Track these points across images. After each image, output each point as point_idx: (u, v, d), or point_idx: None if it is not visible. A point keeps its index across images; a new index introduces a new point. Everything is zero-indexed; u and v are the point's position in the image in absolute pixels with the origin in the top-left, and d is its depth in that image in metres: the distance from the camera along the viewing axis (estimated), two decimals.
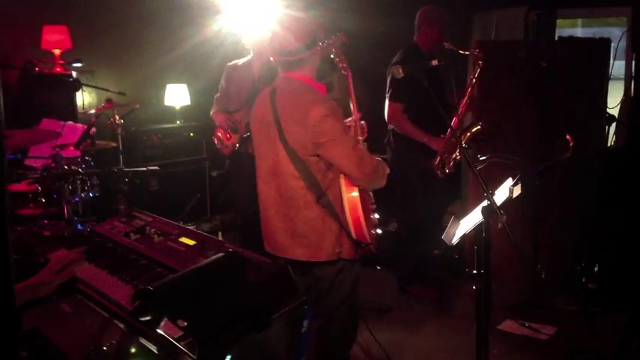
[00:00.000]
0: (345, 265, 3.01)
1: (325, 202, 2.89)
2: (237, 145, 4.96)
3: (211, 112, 5.11)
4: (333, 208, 2.90)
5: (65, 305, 2.36)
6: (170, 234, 2.31)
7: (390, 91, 4.58)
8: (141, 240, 2.33)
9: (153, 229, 2.37)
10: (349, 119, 3.24)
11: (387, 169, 3.07)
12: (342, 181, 2.92)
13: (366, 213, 2.96)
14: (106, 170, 3.56)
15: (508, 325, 4.30)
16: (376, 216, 3.19)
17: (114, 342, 1.94)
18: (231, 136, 4.96)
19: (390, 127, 4.74)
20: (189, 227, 4.62)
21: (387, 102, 4.62)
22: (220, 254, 1.47)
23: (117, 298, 2.03)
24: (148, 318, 1.23)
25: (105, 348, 1.96)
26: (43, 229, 3.83)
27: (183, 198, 5.60)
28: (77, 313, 2.24)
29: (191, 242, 2.19)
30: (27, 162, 4.42)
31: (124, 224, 2.53)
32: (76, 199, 3.88)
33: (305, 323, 1.62)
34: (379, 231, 3.23)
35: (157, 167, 3.70)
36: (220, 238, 4.39)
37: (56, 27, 5.43)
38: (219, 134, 5.02)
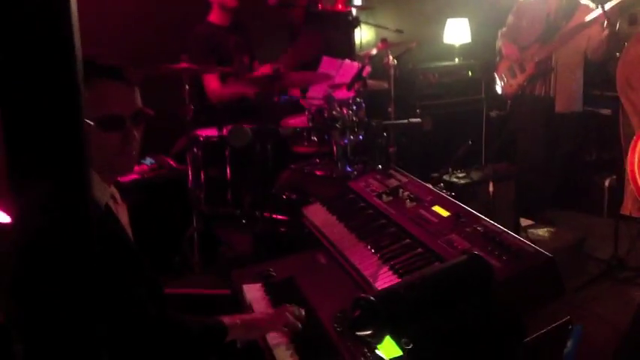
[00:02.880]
0: None
1: None
2: (524, 85, 4.59)
3: (499, 43, 4.80)
4: None
5: (321, 256, 2.33)
6: (424, 200, 2.11)
7: None
8: (392, 203, 2.17)
9: (406, 193, 2.19)
10: None
11: None
12: None
13: None
14: (364, 123, 3.46)
15: None
16: None
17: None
18: (517, 75, 4.62)
19: None
20: (460, 173, 4.45)
21: None
22: (461, 258, 1.23)
23: (361, 268, 1.91)
24: (367, 333, 1.05)
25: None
26: (315, 169, 3.92)
27: (457, 139, 5.36)
28: (331, 267, 2.19)
29: (445, 213, 1.97)
30: (302, 102, 4.52)
31: (378, 182, 2.40)
32: (345, 141, 3.88)
33: (569, 343, 1.32)
34: None
35: (419, 120, 3.51)
36: (491, 188, 4.09)
37: None
38: (502, 73, 4.71)
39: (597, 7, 4.18)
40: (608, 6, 4.07)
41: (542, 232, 4.12)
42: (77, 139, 0.62)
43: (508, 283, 1.51)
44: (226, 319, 1.81)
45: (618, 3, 4.08)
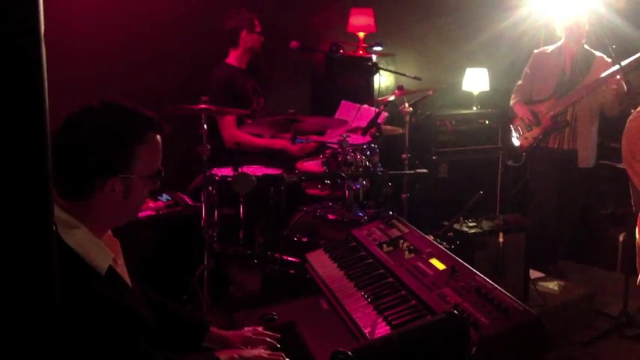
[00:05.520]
0: None
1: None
2: (539, 138, 4.62)
3: (511, 102, 4.86)
4: None
5: (324, 302, 2.36)
6: (422, 252, 2.15)
7: None
8: (392, 253, 2.21)
9: (406, 244, 2.23)
10: None
11: None
12: None
13: None
14: (370, 172, 3.52)
15: None
16: None
17: None
18: (532, 128, 4.66)
19: None
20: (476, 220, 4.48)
21: None
22: (440, 316, 1.26)
23: (356, 317, 1.95)
24: None
25: None
26: (327, 212, 3.96)
27: (472, 187, 5.37)
28: (332, 314, 2.22)
29: (441, 266, 2.01)
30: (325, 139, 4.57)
31: (381, 232, 2.44)
32: (357, 185, 3.93)
33: None
34: None
35: (425, 170, 3.55)
36: (501, 239, 4.08)
37: (364, 10, 5.54)
38: (518, 125, 4.75)
39: (613, 63, 4.22)
40: (624, 62, 4.10)
41: (552, 285, 4.09)
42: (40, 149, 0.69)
43: (495, 340, 1.54)
44: (223, 354, 1.86)
45: (636, 59, 4.12)
